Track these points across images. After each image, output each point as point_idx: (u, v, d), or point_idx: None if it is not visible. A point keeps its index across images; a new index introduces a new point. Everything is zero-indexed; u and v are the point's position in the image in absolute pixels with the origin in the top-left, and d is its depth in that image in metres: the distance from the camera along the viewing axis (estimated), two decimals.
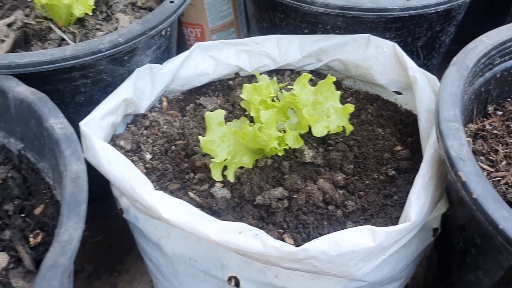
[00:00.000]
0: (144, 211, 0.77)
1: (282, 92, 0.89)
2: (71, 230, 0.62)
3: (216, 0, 1.34)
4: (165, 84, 1.03)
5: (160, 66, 1.02)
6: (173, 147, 0.99)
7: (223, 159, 0.83)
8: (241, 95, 0.89)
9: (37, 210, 0.83)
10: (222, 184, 0.90)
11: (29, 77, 0.86)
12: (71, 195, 0.65)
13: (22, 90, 0.82)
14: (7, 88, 0.83)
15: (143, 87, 1.00)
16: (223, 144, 0.84)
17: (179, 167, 0.95)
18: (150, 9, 1.26)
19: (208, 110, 1.07)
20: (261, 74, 0.98)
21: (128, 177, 0.77)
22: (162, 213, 0.72)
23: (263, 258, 0.68)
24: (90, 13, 1.05)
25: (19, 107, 0.82)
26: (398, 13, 0.95)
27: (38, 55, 0.84)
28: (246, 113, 1.04)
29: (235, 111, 1.06)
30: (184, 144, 0.99)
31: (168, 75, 1.02)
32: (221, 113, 0.84)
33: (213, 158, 0.93)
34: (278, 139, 0.85)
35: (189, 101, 1.10)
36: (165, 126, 1.01)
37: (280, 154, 0.87)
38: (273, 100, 0.89)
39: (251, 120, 0.96)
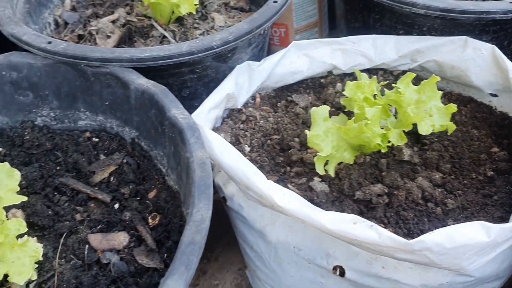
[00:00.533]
0: (255, 198, 0.81)
1: (384, 91, 0.91)
2: (202, 211, 0.67)
3: (304, 0, 1.37)
4: (262, 81, 1.07)
5: (258, 63, 1.07)
6: (268, 141, 1.03)
7: (328, 154, 0.86)
8: (343, 92, 0.92)
9: (151, 195, 0.89)
10: (320, 179, 0.93)
11: (145, 71, 0.93)
12: (200, 179, 0.70)
13: (143, 82, 0.88)
14: (129, 80, 0.89)
15: (242, 83, 1.05)
16: (327, 139, 0.87)
17: (275, 160, 0.99)
18: (242, 9, 1.31)
19: (300, 107, 1.10)
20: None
21: (241, 166, 0.82)
22: (276, 201, 0.76)
23: (377, 248, 0.71)
24: (194, 12, 1.11)
25: (140, 98, 0.88)
26: (501, 15, 0.96)
27: (157, 50, 0.90)
28: (338, 110, 1.07)
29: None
30: (279, 138, 1.03)
31: (265, 72, 1.07)
32: (326, 109, 0.88)
33: (313, 152, 0.97)
34: (381, 136, 0.88)
35: (281, 98, 1.14)
36: (261, 121, 1.06)
37: (383, 151, 0.89)
38: (374, 98, 0.91)
39: (349, 117, 0.99)
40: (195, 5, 1.09)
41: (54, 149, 0.98)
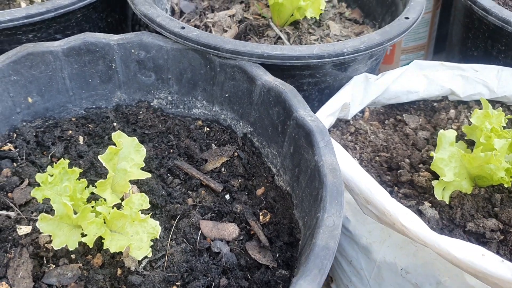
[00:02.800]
0: (374, 214, 0.80)
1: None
2: (334, 217, 0.65)
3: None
4: (377, 95, 1.06)
5: (375, 76, 1.05)
6: (376, 157, 1.01)
7: (450, 180, 0.83)
8: (471, 119, 0.89)
9: (259, 191, 0.89)
10: (431, 204, 0.90)
11: (269, 69, 0.93)
12: (332, 185, 0.69)
13: (270, 80, 0.88)
14: (256, 75, 0.89)
15: (357, 94, 1.03)
16: (451, 164, 0.84)
17: (381, 178, 0.97)
18: (355, 21, 1.30)
19: (410, 128, 1.08)
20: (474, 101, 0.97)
21: (363, 179, 0.80)
22: (400, 219, 0.74)
23: (505, 285, 0.67)
24: (318, 17, 1.11)
25: (265, 94, 0.88)
26: None
27: (288, 50, 0.90)
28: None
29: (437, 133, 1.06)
30: (388, 157, 1.00)
31: (382, 87, 1.05)
32: (453, 133, 0.85)
33: (425, 176, 0.94)
34: (506, 170, 0.84)
35: (390, 115, 1.12)
36: (372, 136, 1.04)
37: (506, 185, 0.85)
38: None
39: (468, 146, 0.95)
40: (321, 10, 1.09)
41: (166, 131, 1.00)
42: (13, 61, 0.92)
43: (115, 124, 1.00)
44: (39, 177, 0.72)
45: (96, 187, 0.74)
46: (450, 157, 0.84)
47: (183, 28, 0.94)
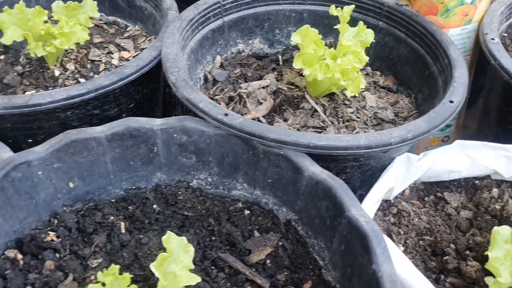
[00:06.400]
0: None
1: None
2: None
3: None
4: (419, 176, 1.04)
5: (417, 156, 1.04)
6: (420, 241, 0.99)
7: (507, 281, 0.81)
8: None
9: (306, 286, 0.87)
10: None
11: (311, 154, 0.91)
12: None
13: (318, 172, 0.87)
14: (302, 166, 0.88)
15: (399, 175, 1.02)
16: (506, 263, 0.82)
17: (426, 264, 0.95)
18: (389, 89, 1.29)
19: (451, 207, 1.06)
20: None
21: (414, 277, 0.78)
22: None
23: None
24: (357, 95, 1.10)
25: (312, 186, 0.87)
26: None
27: (335, 140, 0.89)
28: (494, 218, 1.02)
29: (482, 214, 1.04)
30: (432, 240, 0.98)
31: (424, 167, 1.03)
32: (507, 230, 0.83)
33: (474, 266, 0.91)
34: None
35: (429, 192, 1.10)
36: (415, 219, 1.02)
37: None
38: None
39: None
40: (361, 88, 1.08)
41: (206, 214, 0.98)
42: (56, 150, 0.92)
43: (155, 206, 0.99)
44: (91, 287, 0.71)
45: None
46: (505, 255, 0.82)
47: (226, 114, 0.94)
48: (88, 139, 0.94)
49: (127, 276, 0.73)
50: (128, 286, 0.74)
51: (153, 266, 0.73)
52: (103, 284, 0.71)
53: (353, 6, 1.13)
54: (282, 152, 0.90)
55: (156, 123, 0.97)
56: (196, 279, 0.77)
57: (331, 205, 0.84)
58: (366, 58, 1.08)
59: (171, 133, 0.97)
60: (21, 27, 1.17)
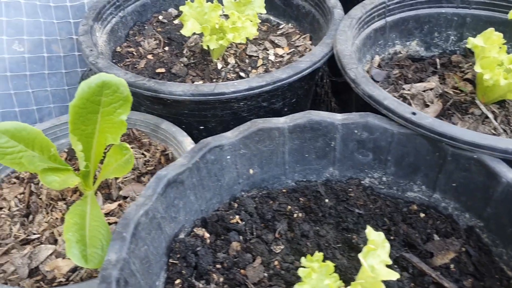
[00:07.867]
0: None
1: None
2: None
3: None
4: None
5: None
6: None
7: None
8: None
9: None
10: None
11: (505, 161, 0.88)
12: None
13: None
14: (500, 172, 0.85)
15: None
16: None
17: None
18: None
19: None
20: None
21: None
22: None
23: None
24: None
25: (510, 194, 0.83)
26: None
27: None
28: None
29: None
30: None
31: None
32: None
33: None
34: None
35: None
36: None
37: None
38: None
39: None
40: None
41: (379, 213, 0.98)
42: (245, 136, 0.96)
43: (326, 200, 1.00)
44: (301, 271, 0.73)
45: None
46: None
47: (414, 113, 0.93)
48: (273, 129, 0.97)
49: (331, 264, 0.75)
50: (330, 274, 0.75)
51: (361, 256, 0.73)
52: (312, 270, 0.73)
53: None
54: (475, 156, 0.88)
55: (337, 117, 0.98)
56: (395, 275, 0.76)
57: None
58: None
59: (352, 129, 0.98)
60: (198, 20, 1.24)
